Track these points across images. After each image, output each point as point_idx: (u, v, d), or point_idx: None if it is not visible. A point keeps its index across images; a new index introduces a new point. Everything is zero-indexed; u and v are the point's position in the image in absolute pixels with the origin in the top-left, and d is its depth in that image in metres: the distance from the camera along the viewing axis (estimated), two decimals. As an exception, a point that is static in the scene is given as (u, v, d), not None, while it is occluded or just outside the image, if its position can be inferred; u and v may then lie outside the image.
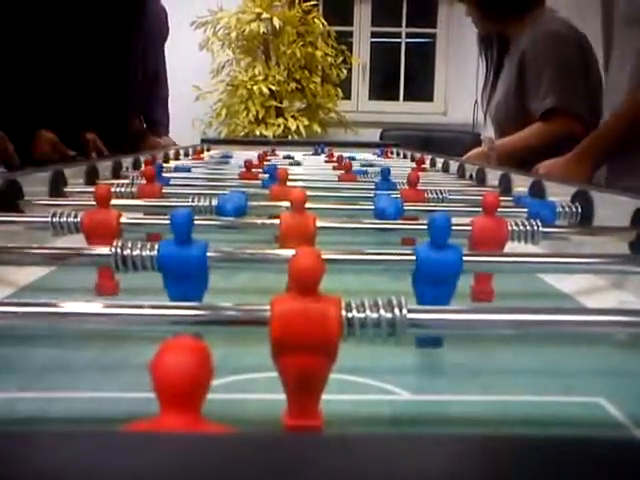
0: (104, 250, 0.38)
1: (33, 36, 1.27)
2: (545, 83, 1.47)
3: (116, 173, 0.98)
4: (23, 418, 0.28)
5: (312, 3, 3.24)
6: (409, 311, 0.25)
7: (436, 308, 0.28)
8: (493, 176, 0.97)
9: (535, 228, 0.48)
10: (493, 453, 0.13)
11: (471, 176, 1.08)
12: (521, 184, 0.84)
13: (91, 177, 0.87)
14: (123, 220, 0.47)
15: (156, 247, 0.36)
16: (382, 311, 0.25)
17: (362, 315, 0.25)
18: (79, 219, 0.47)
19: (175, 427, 0.15)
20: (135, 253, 0.37)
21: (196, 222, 0.46)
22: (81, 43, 1.36)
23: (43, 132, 1.29)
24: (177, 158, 1.43)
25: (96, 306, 0.27)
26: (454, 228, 0.49)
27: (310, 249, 0.24)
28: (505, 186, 0.89)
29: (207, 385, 0.16)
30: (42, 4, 1.28)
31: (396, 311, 0.25)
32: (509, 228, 0.47)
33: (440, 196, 0.69)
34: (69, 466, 0.12)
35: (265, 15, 3.09)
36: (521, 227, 0.48)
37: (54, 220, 0.48)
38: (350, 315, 0.24)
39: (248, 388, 0.31)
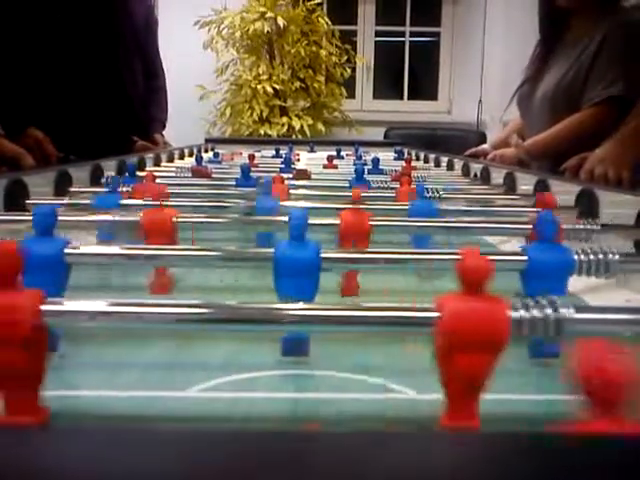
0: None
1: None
2: (615, 70, 1.38)
3: (120, 173, 0.98)
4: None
5: (316, 2, 3.23)
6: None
7: (598, 307, 0.28)
8: (497, 174, 0.97)
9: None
10: (497, 450, 0.13)
11: (475, 175, 1.08)
12: (525, 182, 0.84)
13: (96, 177, 0.87)
14: (174, 219, 0.47)
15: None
16: (548, 310, 0.25)
17: (529, 315, 0.24)
18: (138, 218, 0.47)
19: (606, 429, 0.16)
20: None
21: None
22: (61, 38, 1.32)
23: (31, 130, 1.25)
24: (182, 158, 1.43)
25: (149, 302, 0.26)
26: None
27: (474, 250, 0.23)
28: (509, 184, 0.89)
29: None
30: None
31: (562, 310, 0.25)
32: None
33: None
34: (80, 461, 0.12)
35: (269, 14, 3.09)
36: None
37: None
38: (517, 315, 0.24)
39: (254, 386, 0.31)
